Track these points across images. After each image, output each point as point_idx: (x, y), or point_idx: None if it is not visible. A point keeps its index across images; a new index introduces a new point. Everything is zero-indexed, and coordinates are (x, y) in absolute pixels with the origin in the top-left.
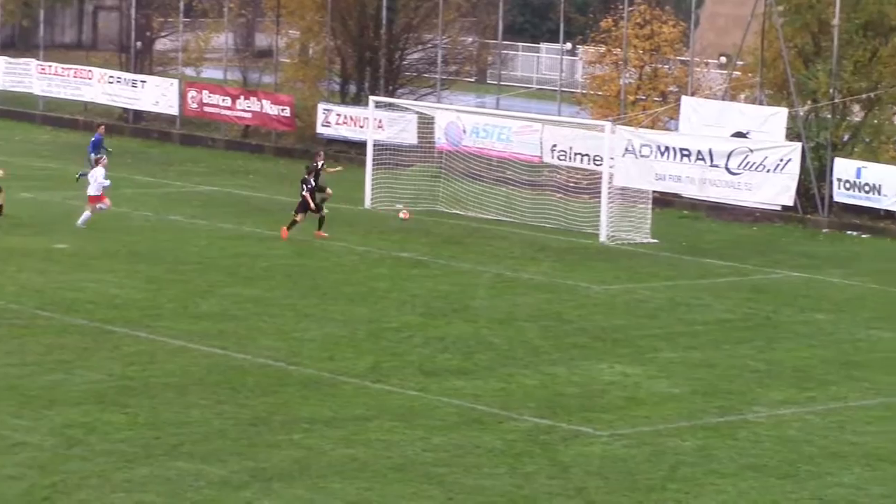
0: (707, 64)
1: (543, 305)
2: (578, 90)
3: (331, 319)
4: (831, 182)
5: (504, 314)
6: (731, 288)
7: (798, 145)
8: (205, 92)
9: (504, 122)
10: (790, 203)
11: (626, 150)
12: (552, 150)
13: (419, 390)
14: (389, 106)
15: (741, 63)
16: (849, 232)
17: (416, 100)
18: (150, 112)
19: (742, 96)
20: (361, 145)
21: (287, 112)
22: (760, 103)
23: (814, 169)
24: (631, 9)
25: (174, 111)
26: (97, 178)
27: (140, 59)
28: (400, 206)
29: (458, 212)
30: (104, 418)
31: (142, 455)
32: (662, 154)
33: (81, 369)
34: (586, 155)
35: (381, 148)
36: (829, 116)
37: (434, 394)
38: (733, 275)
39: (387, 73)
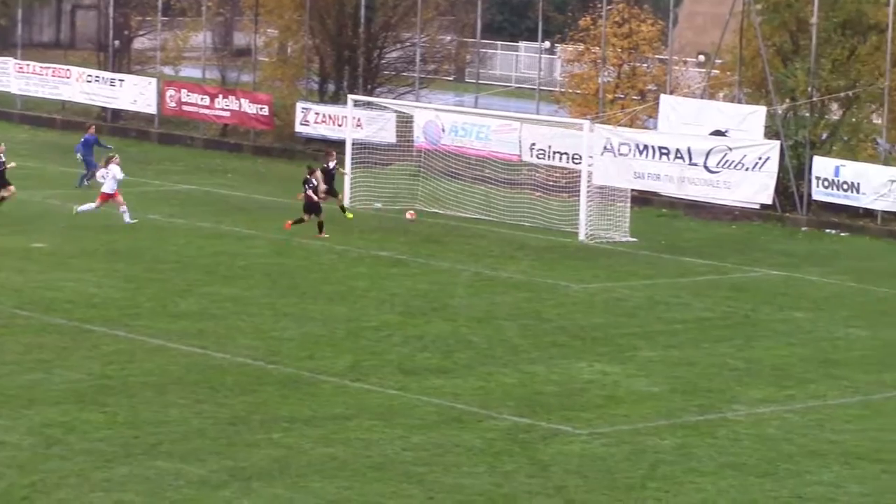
0: (685, 62)
1: (522, 304)
2: (557, 89)
3: (310, 318)
4: (810, 180)
5: (483, 313)
6: (710, 286)
7: (776, 143)
8: (183, 91)
9: (483, 121)
10: (769, 201)
11: (605, 148)
12: (531, 149)
13: (398, 389)
14: (368, 105)
15: (719, 61)
16: (827, 230)
17: (394, 98)
18: (128, 111)
19: (720, 95)
20: (340, 144)
21: (265, 111)
22: (739, 102)
23: (792, 167)
24: (609, 7)
25: (152, 110)
26: (115, 175)
27: (118, 58)
28: (379, 205)
29: (437, 210)
30: (83, 417)
31: (121, 454)
32: (641, 152)
33: (60, 368)
34: (565, 153)
35: (359, 147)
36: (807, 115)
37: (413, 392)
38: (712, 273)
39: (365, 71)
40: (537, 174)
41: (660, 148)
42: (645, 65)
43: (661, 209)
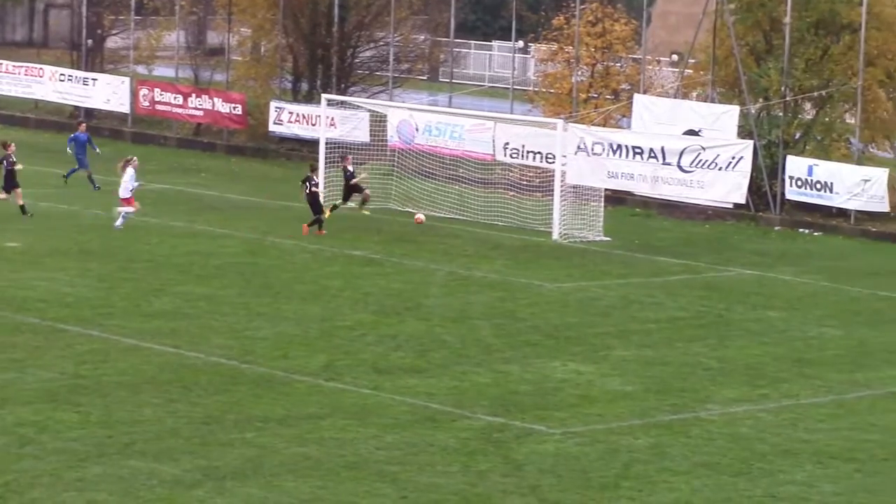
0: (659, 62)
1: (496, 303)
2: (531, 88)
3: (283, 318)
4: (783, 180)
5: (457, 312)
6: (684, 286)
7: (750, 143)
8: (156, 90)
9: (456, 121)
10: (742, 201)
11: (579, 147)
12: (504, 148)
13: (372, 388)
14: (342, 104)
15: (693, 61)
16: (801, 230)
17: (368, 98)
18: (101, 110)
19: (694, 94)
20: (314, 143)
21: (239, 110)
22: (712, 101)
23: (766, 167)
24: (583, 7)
25: (126, 109)
26: (130, 180)
27: (91, 57)
28: (353, 205)
29: (410, 210)
30: (56, 417)
31: (94, 454)
32: (615, 152)
33: (33, 368)
34: (539, 153)
35: (333, 146)
36: (780, 114)
37: (387, 392)
38: (686, 272)
39: (339, 70)
40: (511, 174)
41: (633, 147)
42: (618, 64)
43: (635, 209)
